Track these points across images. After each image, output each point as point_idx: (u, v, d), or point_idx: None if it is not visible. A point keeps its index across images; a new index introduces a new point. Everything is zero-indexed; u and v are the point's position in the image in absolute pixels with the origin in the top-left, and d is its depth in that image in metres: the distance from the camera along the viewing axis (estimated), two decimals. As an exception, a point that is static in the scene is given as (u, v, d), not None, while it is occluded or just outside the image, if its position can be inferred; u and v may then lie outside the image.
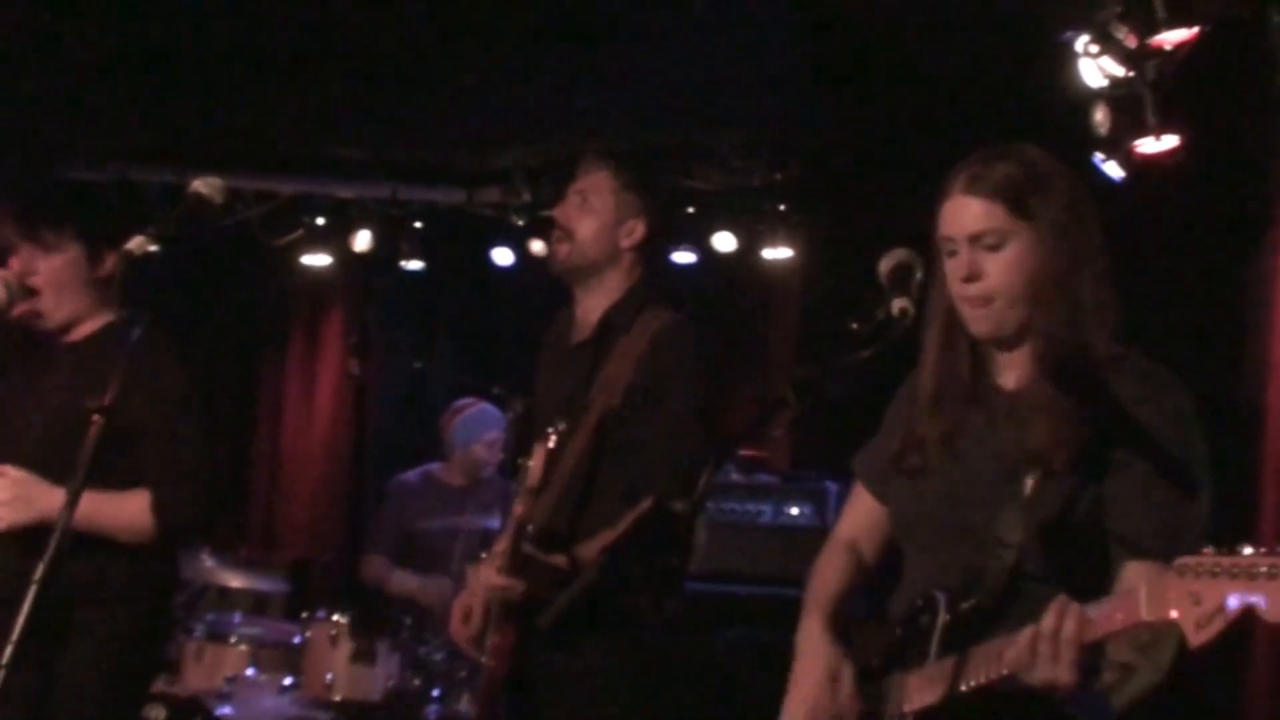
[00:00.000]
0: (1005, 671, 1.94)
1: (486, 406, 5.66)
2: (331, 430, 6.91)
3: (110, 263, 2.95)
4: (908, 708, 2.12)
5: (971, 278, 2.17)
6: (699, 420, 2.93)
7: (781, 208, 5.81)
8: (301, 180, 6.22)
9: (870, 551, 2.46)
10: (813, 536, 5.17)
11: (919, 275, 2.15)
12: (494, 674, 3.00)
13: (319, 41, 4.75)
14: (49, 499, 2.77)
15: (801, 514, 5.16)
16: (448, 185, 6.35)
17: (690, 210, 5.95)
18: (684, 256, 6.07)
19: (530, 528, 2.92)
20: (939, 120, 4.91)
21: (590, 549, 2.85)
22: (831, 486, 5.15)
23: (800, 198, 5.79)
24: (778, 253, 5.90)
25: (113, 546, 2.87)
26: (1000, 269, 2.15)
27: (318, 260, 6.44)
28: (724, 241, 5.92)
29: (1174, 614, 1.72)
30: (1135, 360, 2.15)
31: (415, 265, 6.38)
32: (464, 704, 4.70)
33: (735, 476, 5.16)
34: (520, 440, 3.78)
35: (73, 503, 2.28)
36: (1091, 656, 1.88)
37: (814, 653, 2.29)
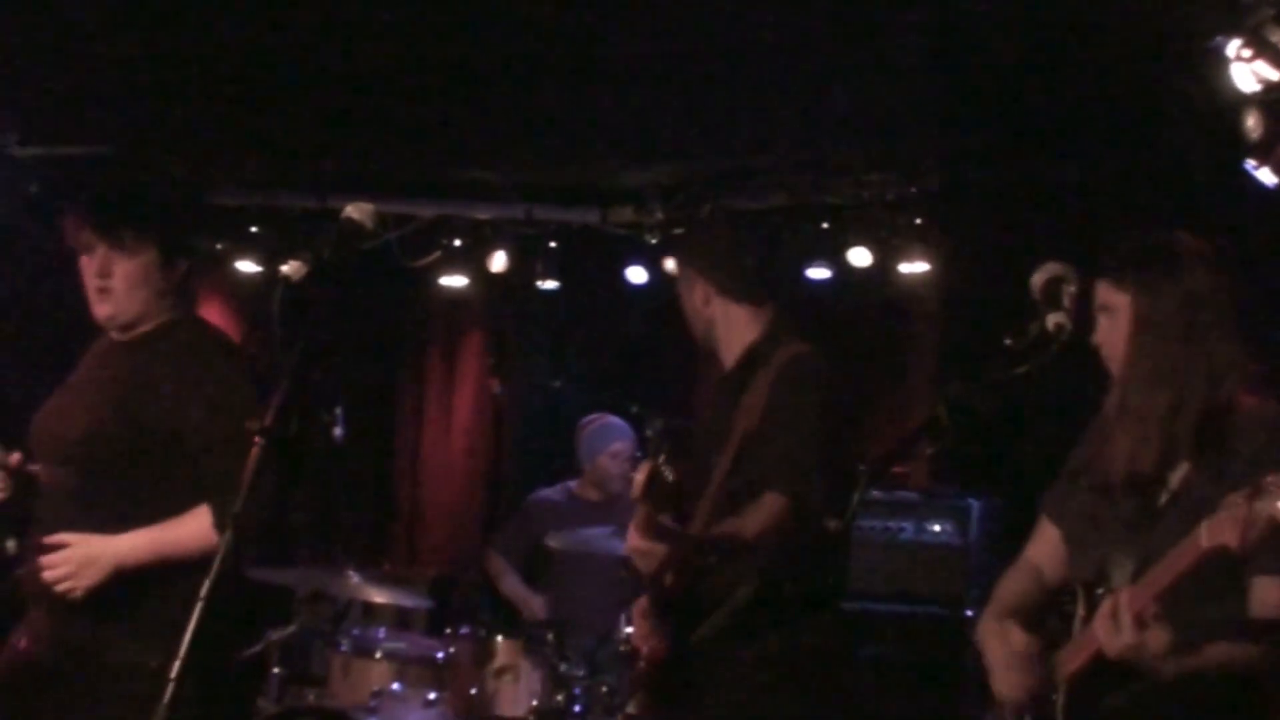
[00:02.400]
0: (1094, 648, 2.19)
1: (611, 419, 5.71)
2: (470, 449, 7.00)
3: (181, 269, 3.05)
4: (1059, 677, 2.36)
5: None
6: (812, 432, 3.09)
7: (918, 221, 5.73)
8: (440, 203, 6.32)
9: (1051, 574, 2.62)
10: (954, 555, 5.10)
11: (1073, 289, 2.14)
12: (648, 678, 3.05)
13: (455, 68, 4.83)
14: (112, 550, 2.89)
15: (943, 531, 5.09)
16: (582, 205, 6.40)
17: (824, 226, 5.91)
18: (819, 272, 6.03)
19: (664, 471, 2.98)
20: (1082, 128, 4.81)
21: (719, 528, 3.00)
22: (974, 504, 5.07)
23: (937, 210, 5.71)
24: (914, 267, 5.81)
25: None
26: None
27: (455, 281, 6.54)
28: (859, 257, 5.85)
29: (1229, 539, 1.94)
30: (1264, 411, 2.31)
31: (550, 285, 6.44)
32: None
33: (875, 493, 5.11)
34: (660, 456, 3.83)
35: (237, 521, 2.34)
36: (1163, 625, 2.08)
37: (1000, 636, 2.51)
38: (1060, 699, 2.34)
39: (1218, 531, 1.97)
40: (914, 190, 5.66)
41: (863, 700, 4.83)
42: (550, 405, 6.77)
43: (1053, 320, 2.09)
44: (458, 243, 6.37)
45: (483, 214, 6.36)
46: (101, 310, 3.03)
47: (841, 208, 5.85)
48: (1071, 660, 2.37)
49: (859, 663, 4.92)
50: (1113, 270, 2.31)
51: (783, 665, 2.97)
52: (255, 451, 2.40)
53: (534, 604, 5.38)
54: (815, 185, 5.80)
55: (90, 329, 3.15)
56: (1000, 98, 4.90)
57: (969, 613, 4.94)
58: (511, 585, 5.56)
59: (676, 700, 3.10)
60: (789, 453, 3.05)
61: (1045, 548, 2.65)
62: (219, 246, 6.35)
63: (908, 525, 5.12)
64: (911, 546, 5.11)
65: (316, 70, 4.88)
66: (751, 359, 3.29)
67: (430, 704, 4.82)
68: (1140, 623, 2.10)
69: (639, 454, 5.68)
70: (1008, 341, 2.11)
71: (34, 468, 3.02)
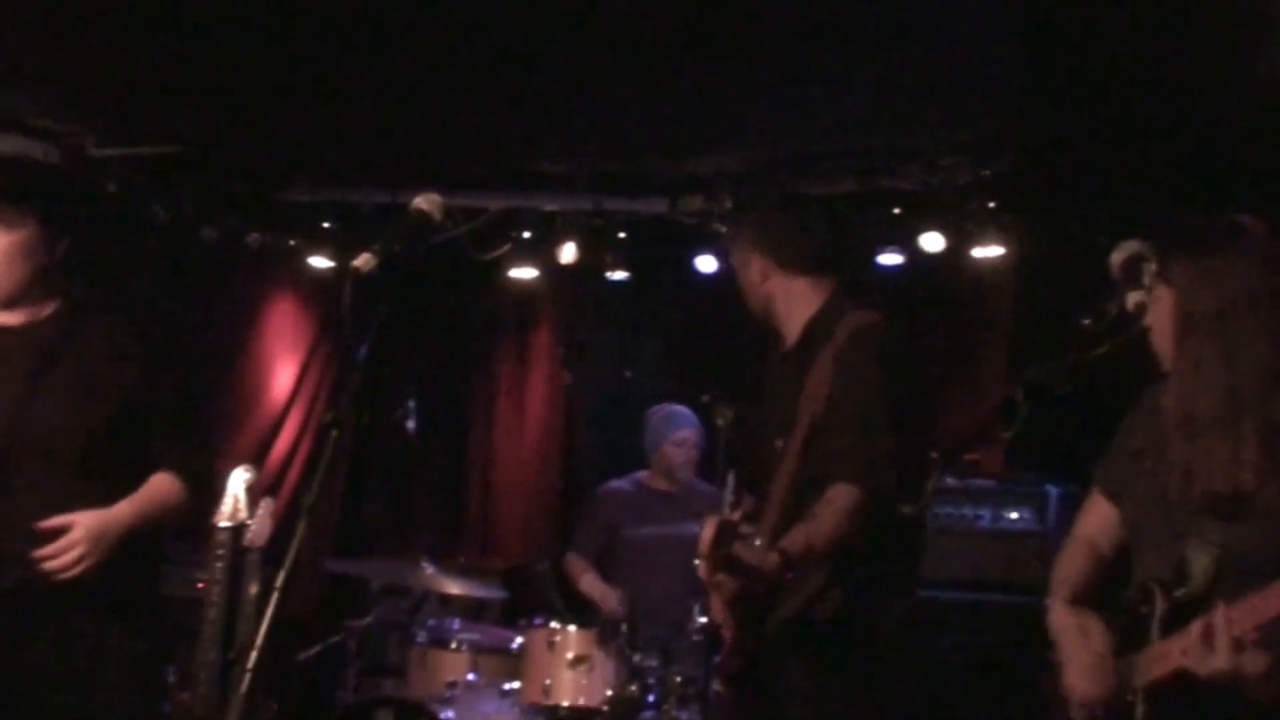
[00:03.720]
0: (1179, 664, 2.12)
1: (676, 407, 5.71)
2: (542, 440, 7.02)
3: (61, 248, 3.03)
4: (1137, 683, 2.28)
5: None
6: (881, 412, 2.98)
7: (991, 204, 5.65)
8: (509, 195, 6.33)
9: (1108, 549, 2.56)
10: (1033, 542, 5.03)
11: (1154, 267, 2.09)
12: (723, 671, 3.03)
13: (522, 60, 4.83)
14: (115, 519, 2.95)
15: (1021, 518, 5.02)
16: (650, 195, 6.38)
17: (896, 211, 5.85)
18: (890, 258, 5.97)
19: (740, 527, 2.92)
20: (1158, 108, 4.72)
21: (791, 541, 2.87)
22: (1052, 490, 5.00)
23: (1011, 193, 5.63)
24: (988, 251, 5.74)
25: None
26: None
27: (525, 273, 6.56)
28: (931, 242, 5.79)
29: None
30: None
31: (620, 275, 6.44)
32: (678, 712, 4.71)
33: (950, 480, 5.05)
34: (733, 447, 3.80)
35: (309, 513, 2.36)
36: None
37: (1080, 631, 2.45)
38: (1140, 708, 2.27)
39: None
40: (987, 173, 5.58)
41: (939, 690, 4.79)
42: (621, 395, 6.77)
43: (1133, 299, 2.03)
44: (527, 235, 6.38)
45: (551, 205, 6.36)
46: None
47: (913, 192, 5.78)
48: (1152, 669, 2.29)
49: (935, 651, 4.89)
50: (1159, 257, 2.22)
51: (859, 653, 2.92)
52: (329, 443, 2.42)
53: (613, 600, 5.38)
54: (886, 170, 5.74)
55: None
56: (1075, 78, 4.81)
57: (1048, 601, 4.86)
58: (590, 583, 5.57)
59: (756, 688, 3.07)
60: (858, 440, 2.95)
61: (1100, 523, 2.59)
62: (291, 242, 6.42)
63: (984, 513, 5.05)
64: (988, 534, 5.05)
65: (386, 66, 4.90)
66: (813, 334, 3.19)
67: (505, 694, 4.85)
68: (1238, 646, 2.03)
69: (703, 444, 5.68)
70: (1086, 322, 2.06)
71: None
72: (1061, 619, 2.51)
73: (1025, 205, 5.63)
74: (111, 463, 3.03)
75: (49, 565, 2.88)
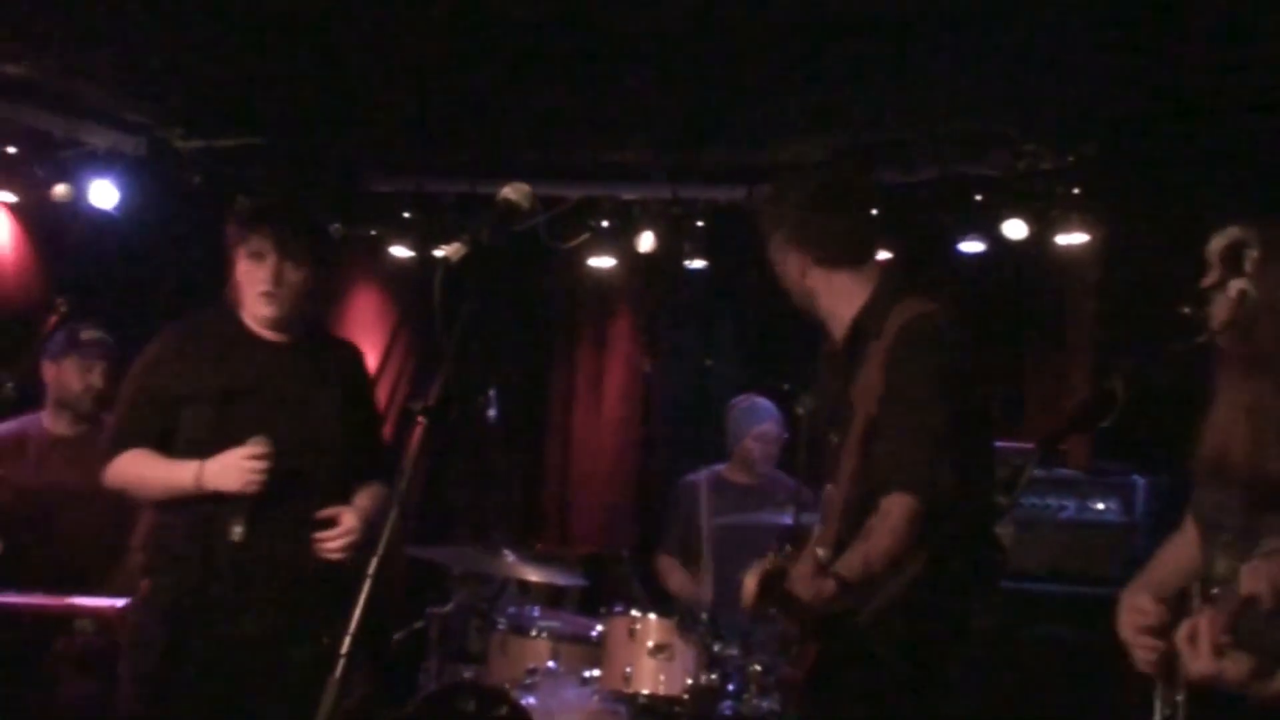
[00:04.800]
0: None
1: (759, 400, 5.68)
2: (620, 428, 7.03)
3: (321, 282, 3.55)
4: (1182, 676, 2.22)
5: None
6: (935, 409, 2.87)
7: (1076, 190, 5.57)
8: (586, 184, 6.35)
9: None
10: (1119, 534, 4.96)
11: (1256, 253, 2.03)
12: (794, 680, 3.00)
13: (598, 48, 4.83)
14: (362, 510, 3.45)
15: (1107, 509, 4.95)
16: (729, 183, 6.36)
17: (978, 198, 5.78)
18: (972, 245, 5.91)
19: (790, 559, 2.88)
20: (1251, 88, 4.62)
21: (848, 564, 2.80)
22: (1140, 481, 4.92)
23: (1096, 179, 5.54)
24: (1072, 238, 5.66)
25: None
26: None
27: (603, 262, 6.57)
28: (1014, 229, 5.72)
29: None
30: None
31: (699, 263, 6.43)
32: (758, 701, 4.70)
33: (1036, 470, 4.98)
34: (812, 438, 3.77)
35: (399, 501, 2.38)
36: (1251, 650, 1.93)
37: (1132, 608, 2.41)
38: (1182, 701, 2.22)
39: (1254, 579, 1.87)
40: (1072, 159, 5.50)
41: (1023, 683, 4.74)
42: (700, 384, 6.76)
43: (1235, 287, 1.97)
44: (605, 224, 6.39)
45: (629, 194, 6.37)
46: (267, 310, 3.42)
47: (996, 179, 5.71)
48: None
49: (1019, 644, 4.84)
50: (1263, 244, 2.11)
51: (950, 645, 2.88)
52: (418, 432, 2.44)
53: (703, 597, 5.36)
54: (968, 156, 5.67)
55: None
56: (1160, 60, 4.72)
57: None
58: (679, 582, 5.57)
59: (831, 683, 3.02)
60: (911, 445, 2.83)
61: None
62: (373, 232, 6.48)
63: (1069, 504, 4.99)
64: (1073, 525, 4.98)
65: (464, 57, 4.92)
66: (861, 330, 3.07)
67: (585, 681, 4.86)
68: (1218, 650, 1.96)
69: (786, 435, 5.65)
70: (1185, 310, 2.00)
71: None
72: (1123, 600, 2.45)
73: (1111, 191, 5.53)
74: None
75: (329, 545, 3.34)
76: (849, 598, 2.74)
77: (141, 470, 3.40)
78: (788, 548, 2.68)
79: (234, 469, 3.24)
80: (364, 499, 3.47)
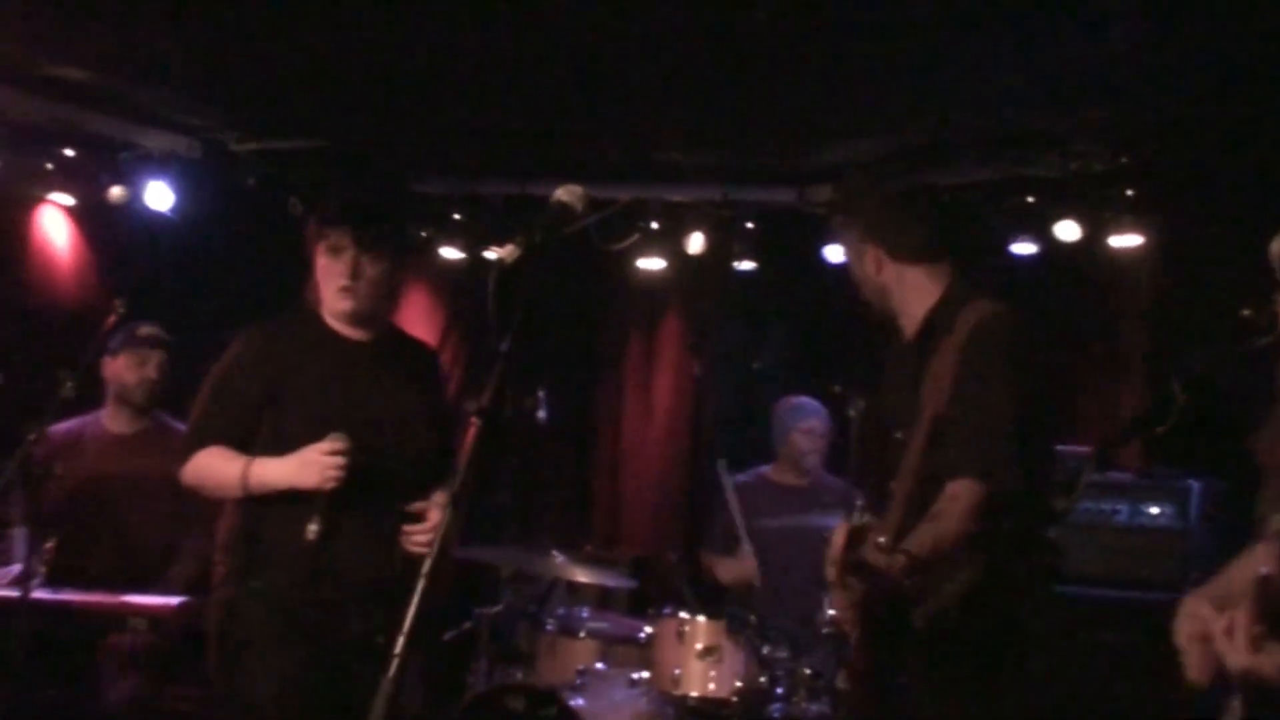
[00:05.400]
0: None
1: (803, 399, 5.67)
2: (669, 429, 7.03)
3: (401, 278, 3.56)
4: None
5: None
6: (1006, 405, 2.91)
7: (1130, 192, 5.51)
8: (636, 186, 6.35)
9: None
10: (1173, 538, 4.90)
11: (1319, 258, 2.01)
12: (854, 673, 3.00)
13: (648, 50, 4.83)
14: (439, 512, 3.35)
15: (1161, 514, 4.89)
16: (778, 184, 6.35)
17: (1030, 200, 5.73)
18: (1024, 248, 5.86)
19: (870, 533, 2.88)
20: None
21: (918, 542, 2.82)
22: (1195, 485, 4.86)
23: (1151, 180, 5.48)
24: (1126, 240, 5.60)
25: None
26: None
27: (653, 264, 6.57)
28: (1067, 231, 5.67)
29: None
30: None
31: (748, 265, 6.42)
32: (808, 704, 4.69)
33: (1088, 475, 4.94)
34: (863, 438, 3.76)
35: (457, 501, 2.40)
36: None
37: (1190, 616, 2.27)
38: (1238, 704, 2.13)
39: (1267, 559, 1.83)
40: (1126, 160, 5.45)
41: (1078, 687, 4.70)
42: (750, 386, 6.75)
43: (1295, 291, 1.95)
44: (655, 225, 6.39)
45: (679, 196, 6.37)
46: (344, 305, 3.40)
47: (1048, 180, 5.67)
48: None
49: (1071, 649, 4.79)
50: None
51: (1005, 649, 2.87)
52: (473, 432, 2.45)
53: (749, 569, 5.35)
54: (1020, 158, 5.63)
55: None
56: (1216, 59, 4.67)
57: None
58: (726, 568, 5.60)
59: (884, 686, 3.03)
60: (981, 435, 2.88)
61: None
62: (424, 234, 6.51)
63: (1122, 507, 4.93)
64: (1126, 529, 4.93)
65: (515, 60, 4.94)
66: (933, 325, 3.11)
67: (634, 683, 4.86)
68: (1254, 642, 1.90)
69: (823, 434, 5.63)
70: (1246, 313, 1.98)
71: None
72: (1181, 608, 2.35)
73: (1166, 193, 5.47)
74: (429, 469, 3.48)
75: (418, 539, 3.33)
76: (918, 575, 2.76)
77: (218, 467, 3.38)
78: (865, 513, 2.69)
79: (313, 465, 3.22)
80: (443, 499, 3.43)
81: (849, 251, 3.32)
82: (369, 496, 3.29)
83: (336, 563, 3.29)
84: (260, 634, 3.31)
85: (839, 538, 2.71)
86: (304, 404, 3.34)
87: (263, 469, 3.30)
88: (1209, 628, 2.11)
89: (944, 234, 3.27)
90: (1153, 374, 5.63)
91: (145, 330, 4.95)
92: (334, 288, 3.38)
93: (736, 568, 5.52)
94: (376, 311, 3.48)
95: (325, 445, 3.21)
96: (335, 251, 3.38)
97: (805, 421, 5.65)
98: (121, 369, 4.97)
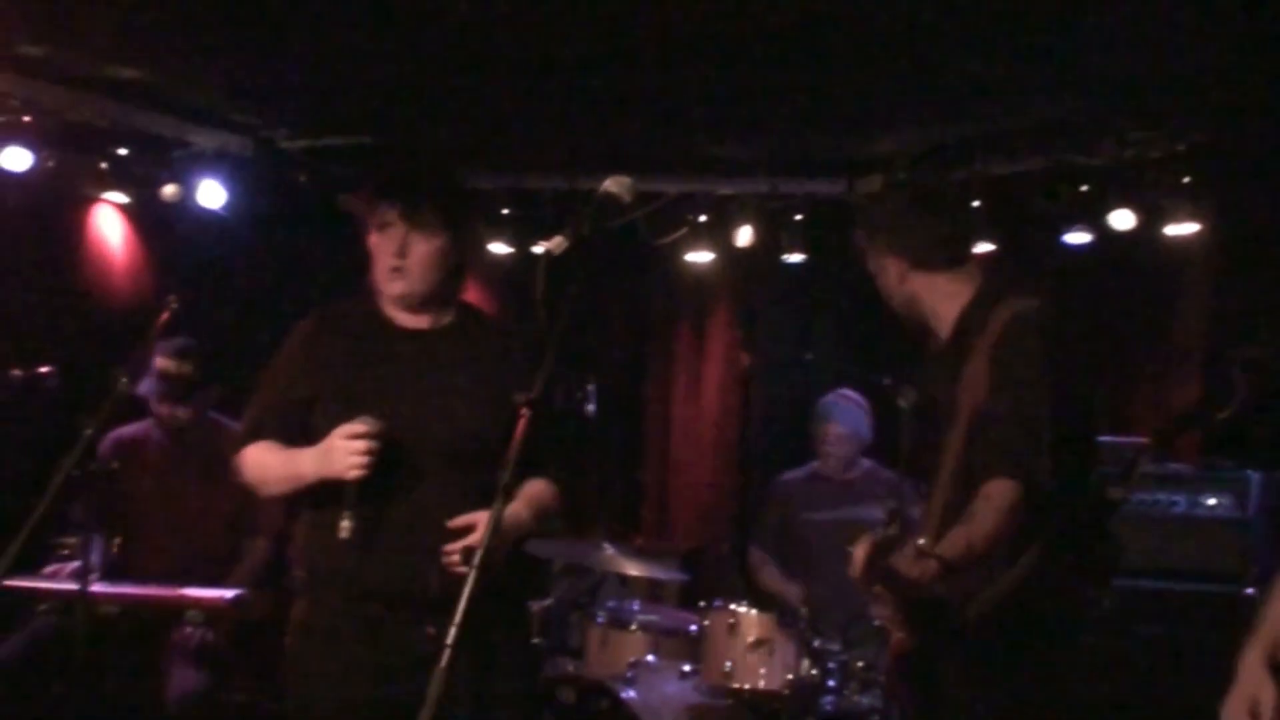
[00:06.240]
0: None
1: (835, 400, 5.64)
2: (719, 423, 7.02)
3: (463, 258, 3.16)
4: None
5: None
6: (1038, 402, 2.88)
7: (1185, 180, 5.44)
8: (684, 179, 6.34)
9: None
10: (1232, 530, 4.84)
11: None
12: (896, 666, 2.99)
13: (695, 42, 4.82)
14: (513, 520, 2.99)
15: (1220, 505, 4.83)
16: (828, 176, 6.32)
17: (1083, 188, 5.67)
18: (1077, 237, 5.80)
19: (909, 538, 2.86)
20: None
21: (950, 546, 2.79)
22: (1254, 476, 4.79)
23: (1207, 168, 5.40)
24: (1182, 228, 5.53)
25: None
26: None
27: (701, 257, 6.56)
28: (1122, 219, 5.61)
29: None
30: None
31: (797, 258, 6.39)
32: (860, 697, 4.66)
33: (1147, 465, 4.89)
34: (913, 432, 3.73)
35: (505, 493, 2.39)
36: None
37: (1244, 679, 2.30)
38: None
39: None
40: (1181, 147, 5.37)
41: (1134, 680, 4.65)
42: (798, 378, 6.73)
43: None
44: (703, 218, 6.38)
45: (727, 189, 6.36)
46: (395, 288, 3.11)
47: (1102, 168, 5.60)
48: None
49: (1128, 642, 4.74)
50: None
51: (1062, 641, 2.85)
52: (522, 424, 2.45)
53: (792, 593, 5.36)
54: (1074, 146, 5.57)
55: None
56: (1273, 43, 4.59)
57: (1249, 591, 4.68)
58: (770, 576, 5.56)
59: (933, 683, 3.00)
60: (1015, 434, 2.85)
61: None
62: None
63: (1180, 499, 4.87)
64: (1184, 521, 4.87)
65: (561, 54, 4.94)
66: (966, 328, 3.10)
67: (685, 675, 4.86)
68: None
69: (851, 433, 5.60)
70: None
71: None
72: (1248, 662, 2.31)
73: (1223, 179, 5.40)
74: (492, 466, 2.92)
75: (448, 560, 2.91)
76: (951, 580, 2.74)
77: (264, 462, 3.14)
78: (894, 525, 2.67)
79: (337, 450, 2.94)
80: (519, 502, 3.08)
81: (873, 267, 3.30)
82: (409, 495, 3.01)
83: (366, 565, 3.00)
84: (317, 650, 3.08)
85: (859, 553, 2.70)
86: (337, 396, 3.07)
87: (295, 460, 3.07)
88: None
89: (966, 234, 3.26)
90: (1211, 364, 5.56)
91: (175, 341, 4.89)
92: (384, 269, 3.11)
93: (778, 583, 5.50)
94: (434, 294, 3.14)
95: (346, 429, 2.93)
96: (384, 228, 3.11)
97: (824, 424, 5.63)
98: (163, 364, 5.03)
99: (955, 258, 3.18)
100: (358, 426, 2.92)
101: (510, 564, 3.03)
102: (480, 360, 3.15)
